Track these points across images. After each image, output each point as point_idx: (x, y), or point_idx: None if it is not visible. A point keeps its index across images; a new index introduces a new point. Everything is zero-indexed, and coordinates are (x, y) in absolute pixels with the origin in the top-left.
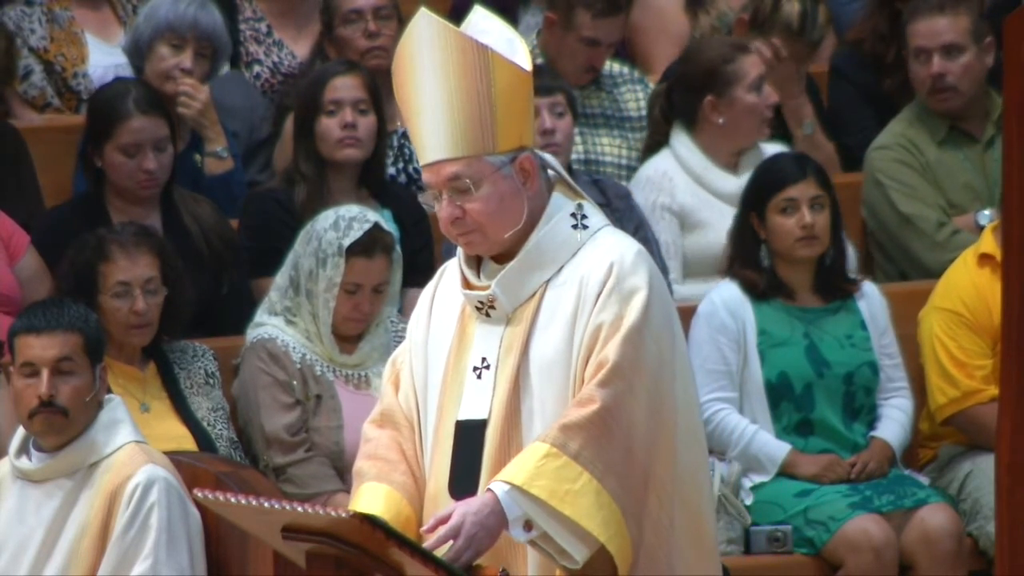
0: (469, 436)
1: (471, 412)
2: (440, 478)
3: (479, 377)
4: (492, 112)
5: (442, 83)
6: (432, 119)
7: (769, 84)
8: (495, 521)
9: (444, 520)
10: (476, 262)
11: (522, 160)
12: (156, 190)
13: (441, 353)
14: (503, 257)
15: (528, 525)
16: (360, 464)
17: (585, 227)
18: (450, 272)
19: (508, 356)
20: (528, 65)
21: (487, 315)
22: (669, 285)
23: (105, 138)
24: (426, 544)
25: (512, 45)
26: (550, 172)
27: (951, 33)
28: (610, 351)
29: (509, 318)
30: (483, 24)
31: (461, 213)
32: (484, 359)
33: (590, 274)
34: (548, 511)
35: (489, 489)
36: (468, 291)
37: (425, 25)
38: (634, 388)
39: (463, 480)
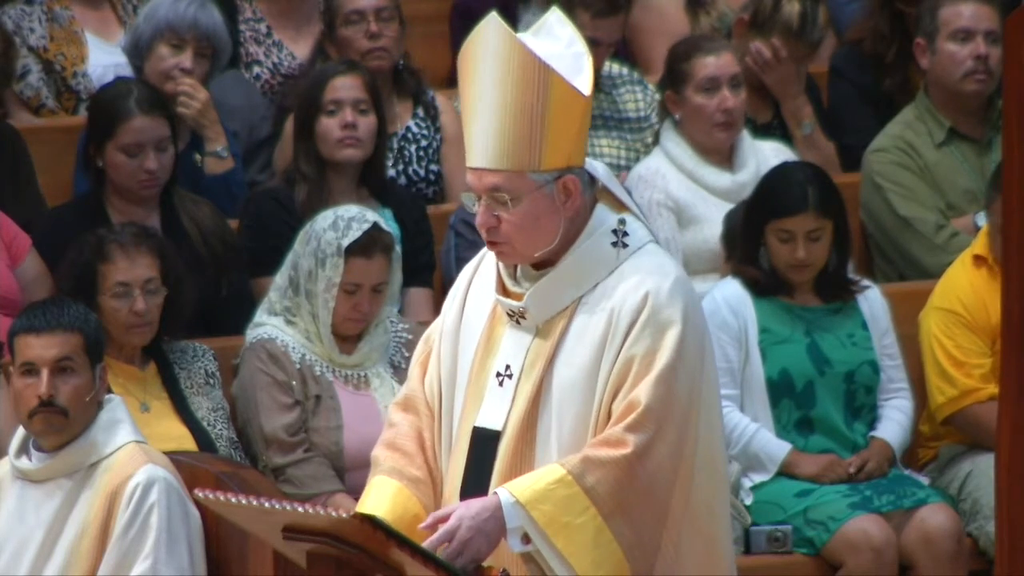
0: (483, 444)
1: (488, 420)
2: (454, 481)
3: (500, 384)
4: (542, 130)
5: (498, 94)
6: (483, 125)
7: (728, 88)
8: (494, 526)
9: (443, 520)
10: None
11: (566, 180)
12: (157, 190)
13: (470, 346)
14: (542, 263)
15: (527, 538)
16: (377, 452)
17: (625, 245)
18: (491, 258)
19: (532, 370)
20: (587, 88)
21: (517, 322)
22: None
23: (106, 138)
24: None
25: (578, 61)
26: (600, 182)
27: (992, 21)
28: (642, 392)
29: (539, 329)
30: (557, 29)
31: (496, 223)
32: (508, 367)
33: (624, 302)
34: (543, 536)
35: (495, 493)
36: (501, 297)
37: (492, 31)
38: (663, 432)
39: (474, 487)
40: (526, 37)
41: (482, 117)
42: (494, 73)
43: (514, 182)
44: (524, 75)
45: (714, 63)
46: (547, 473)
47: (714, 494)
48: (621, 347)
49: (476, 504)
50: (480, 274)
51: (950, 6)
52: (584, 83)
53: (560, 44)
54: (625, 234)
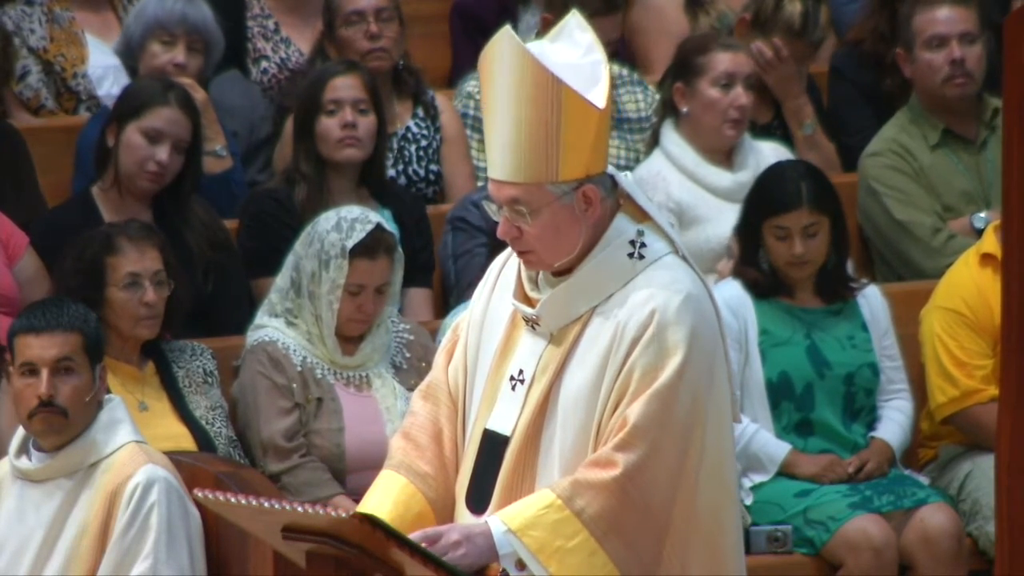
0: (492, 448)
1: (498, 424)
2: (463, 483)
3: (513, 389)
4: (558, 143)
5: (513, 109)
6: (500, 138)
7: (742, 87)
8: (484, 543)
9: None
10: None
11: (585, 190)
12: (154, 188)
13: (490, 345)
14: (561, 271)
15: (521, 564)
16: (394, 441)
17: (642, 256)
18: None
19: (542, 377)
20: (602, 100)
21: (533, 328)
22: None
23: (131, 117)
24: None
25: (595, 70)
26: (623, 187)
27: (967, 23)
28: (633, 411)
29: (553, 335)
30: (576, 35)
31: (518, 233)
32: (521, 371)
33: (631, 316)
34: (537, 562)
35: (486, 522)
36: (517, 303)
37: (506, 45)
38: (657, 449)
39: (480, 492)
40: (542, 43)
41: (499, 130)
42: (508, 87)
43: (533, 194)
44: (537, 91)
45: (732, 59)
46: (537, 499)
47: (721, 506)
48: (624, 362)
49: (473, 524)
50: (509, 267)
51: (922, 14)
52: (599, 95)
53: (578, 51)
54: (643, 245)
